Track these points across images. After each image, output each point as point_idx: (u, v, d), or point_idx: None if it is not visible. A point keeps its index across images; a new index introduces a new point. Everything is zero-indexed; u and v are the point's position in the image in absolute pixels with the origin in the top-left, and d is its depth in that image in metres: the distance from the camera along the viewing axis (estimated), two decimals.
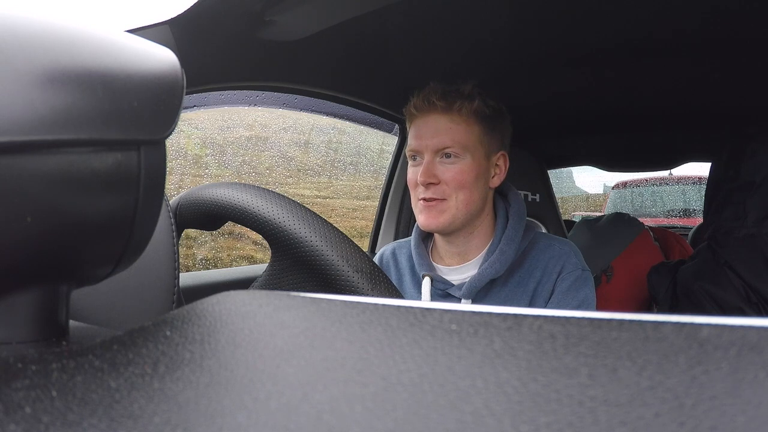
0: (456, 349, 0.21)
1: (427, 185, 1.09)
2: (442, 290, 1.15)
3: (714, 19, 1.11)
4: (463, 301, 1.11)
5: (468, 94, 1.10)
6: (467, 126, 1.10)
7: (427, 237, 1.24)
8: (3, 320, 0.27)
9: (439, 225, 1.10)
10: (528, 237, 1.16)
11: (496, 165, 1.16)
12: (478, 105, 1.10)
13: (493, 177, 1.15)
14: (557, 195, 1.95)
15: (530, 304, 1.12)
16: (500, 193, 1.22)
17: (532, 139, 2.12)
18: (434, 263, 1.20)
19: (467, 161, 1.09)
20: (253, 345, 0.23)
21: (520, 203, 1.18)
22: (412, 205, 1.16)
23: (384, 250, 1.32)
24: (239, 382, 0.21)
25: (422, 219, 1.11)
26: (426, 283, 1.15)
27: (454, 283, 1.14)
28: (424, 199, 1.10)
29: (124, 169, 0.26)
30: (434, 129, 1.09)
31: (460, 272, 1.16)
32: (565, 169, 4.53)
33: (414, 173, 1.12)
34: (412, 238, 1.23)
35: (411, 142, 1.13)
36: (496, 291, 1.12)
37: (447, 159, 1.09)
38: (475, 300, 1.12)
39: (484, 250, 1.16)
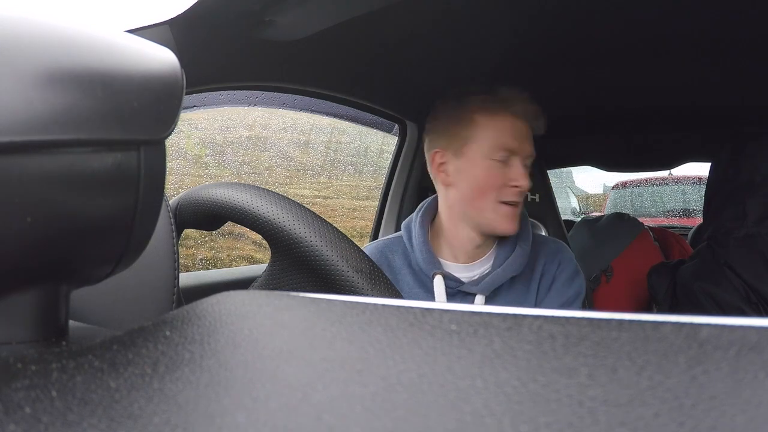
0: (456, 349, 0.21)
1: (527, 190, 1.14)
2: (455, 288, 1.14)
3: (714, 19, 1.11)
4: (478, 296, 1.12)
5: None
6: None
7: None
8: (3, 320, 0.27)
9: (516, 228, 1.13)
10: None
11: None
12: None
13: None
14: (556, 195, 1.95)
15: (536, 297, 1.15)
16: None
17: None
18: (443, 261, 1.18)
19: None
20: (253, 345, 0.23)
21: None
22: (483, 208, 1.12)
23: (368, 247, 1.27)
24: (239, 382, 0.21)
25: (507, 224, 1.11)
26: (439, 281, 1.13)
27: (464, 280, 1.14)
28: (514, 204, 1.11)
29: (123, 170, 0.26)
30: (527, 134, 1.13)
31: (470, 270, 1.17)
32: (565, 169, 4.54)
33: (501, 174, 1.11)
34: (417, 237, 1.19)
35: (507, 140, 1.10)
36: (506, 287, 1.14)
37: (526, 167, 1.13)
38: (489, 296, 1.13)
39: (493, 248, 1.18)
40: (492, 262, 1.16)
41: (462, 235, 1.17)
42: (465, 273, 1.16)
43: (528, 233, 1.17)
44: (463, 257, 1.18)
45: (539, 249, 1.18)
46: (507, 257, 1.14)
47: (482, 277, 1.14)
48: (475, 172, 1.11)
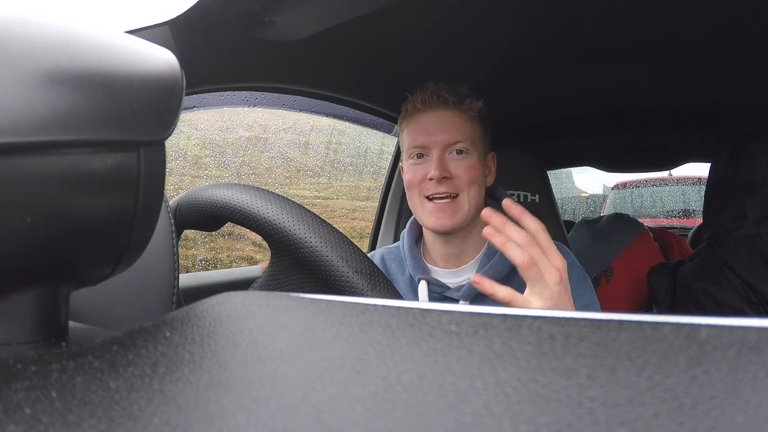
0: (455, 350, 0.21)
1: (441, 180, 1.06)
2: (439, 294, 1.13)
3: (713, 19, 1.11)
4: (461, 302, 1.10)
5: (470, 93, 1.11)
6: (473, 123, 1.10)
7: (418, 240, 1.22)
8: (2, 321, 0.27)
9: (454, 225, 1.07)
10: None
11: (488, 165, 1.16)
12: (482, 105, 1.11)
13: (487, 176, 1.16)
14: (556, 196, 1.95)
15: None
16: (490, 195, 1.20)
17: (531, 140, 2.12)
18: (429, 266, 1.18)
19: (474, 157, 1.09)
20: (253, 346, 0.23)
21: None
22: (415, 207, 1.12)
23: (372, 255, 1.28)
24: (239, 383, 0.21)
25: (434, 220, 1.08)
26: (423, 287, 1.13)
27: (450, 286, 1.13)
28: (437, 199, 1.07)
29: (123, 170, 0.26)
30: (444, 124, 1.08)
31: (457, 275, 1.14)
32: (565, 169, 4.54)
33: (418, 170, 1.10)
34: (405, 242, 1.20)
35: (416, 138, 1.10)
36: None
37: (458, 155, 1.08)
38: (474, 303, 1.10)
39: (481, 253, 1.14)
40: (477, 267, 1.12)
41: (430, 239, 1.18)
42: (452, 279, 1.15)
43: None
44: (449, 262, 1.16)
45: None
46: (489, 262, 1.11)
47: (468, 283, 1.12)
48: (405, 176, 1.14)
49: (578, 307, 1.05)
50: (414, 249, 1.19)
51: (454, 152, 1.08)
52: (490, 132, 1.17)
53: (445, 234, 1.12)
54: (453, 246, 1.14)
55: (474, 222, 1.12)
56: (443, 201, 1.07)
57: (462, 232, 1.12)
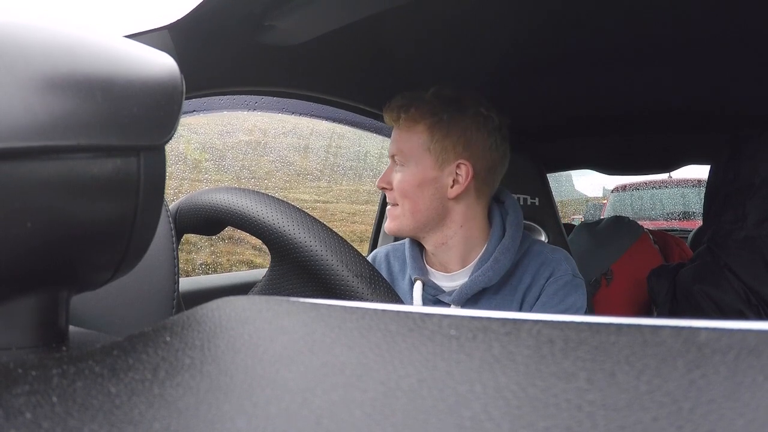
0: (455, 354, 0.21)
1: (382, 189, 1.14)
2: (433, 296, 1.13)
3: (713, 21, 1.11)
4: (452, 307, 1.10)
5: (424, 99, 1.10)
6: (411, 134, 1.10)
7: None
8: (3, 326, 0.27)
9: (391, 230, 1.14)
10: (523, 246, 1.13)
11: (457, 174, 1.09)
12: (428, 111, 1.08)
13: (451, 187, 1.10)
14: (556, 198, 1.95)
15: (521, 310, 1.09)
16: (497, 200, 1.20)
17: (531, 143, 2.12)
18: (429, 268, 1.18)
19: (410, 169, 1.10)
20: (253, 350, 0.23)
21: (518, 212, 1.16)
22: None
23: (378, 252, 1.30)
24: (239, 388, 0.21)
25: (388, 224, 1.16)
26: (417, 287, 1.13)
27: (445, 289, 1.13)
28: (391, 204, 1.14)
29: (123, 175, 0.26)
30: (394, 135, 1.14)
31: (453, 279, 1.14)
32: (565, 172, 4.54)
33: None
34: (407, 242, 1.22)
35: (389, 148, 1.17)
36: (487, 299, 1.10)
37: (400, 167, 1.12)
38: (465, 307, 1.09)
39: (477, 259, 1.13)
40: (472, 272, 1.12)
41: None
42: (449, 282, 1.15)
43: (510, 245, 1.10)
44: (443, 266, 1.17)
45: (531, 259, 1.12)
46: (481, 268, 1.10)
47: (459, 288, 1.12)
48: None
49: (553, 313, 1.05)
50: (414, 249, 1.20)
51: (396, 163, 1.12)
52: (467, 138, 1.10)
53: (400, 237, 1.19)
54: (433, 253, 1.17)
55: (444, 232, 1.13)
56: (392, 207, 1.14)
57: (431, 241, 1.14)
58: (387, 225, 1.15)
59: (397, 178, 1.11)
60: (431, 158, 1.08)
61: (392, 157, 1.13)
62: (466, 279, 1.11)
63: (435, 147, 1.08)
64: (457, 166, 1.09)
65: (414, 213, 1.10)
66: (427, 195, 1.09)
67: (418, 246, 1.20)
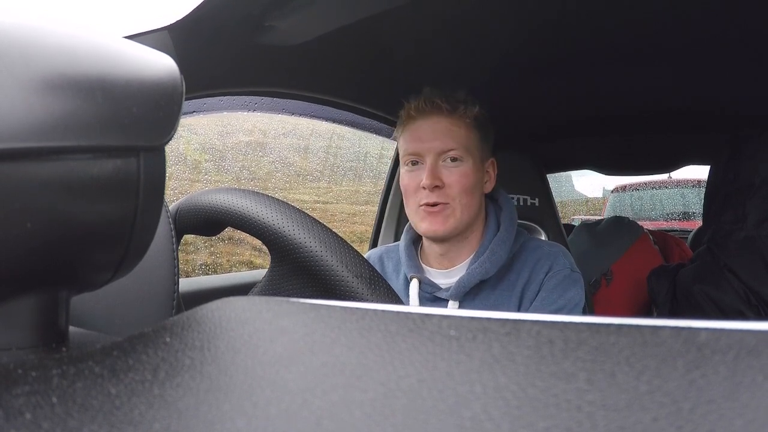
0: (455, 355, 0.21)
1: (433, 188, 1.07)
2: (430, 293, 1.14)
3: (713, 21, 1.11)
4: (450, 302, 1.10)
5: (467, 99, 1.11)
6: (468, 130, 1.09)
7: (417, 240, 1.23)
8: (3, 326, 0.27)
9: (446, 231, 1.08)
10: (519, 240, 1.15)
11: (487, 171, 1.16)
12: (478, 111, 1.11)
13: (486, 183, 1.16)
14: (556, 199, 1.95)
15: (518, 306, 1.10)
16: (491, 197, 1.21)
17: (531, 143, 2.12)
18: (423, 266, 1.19)
19: (469, 165, 1.09)
20: (253, 351, 0.23)
21: (512, 207, 1.18)
22: (410, 212, 1.13)
23: (371, 253, 1.31)
24: (239, 388, 0.21)
25: (426, 226, 1.09)
26: (414, 285, 1.14)
27: (441, 286, 1.14)
28: (428, 205, 1.08)
29: (123, 176, 0.26)
30: (437, 131, 1.08)
31: (449, 276, 1.15)
32: (565, 173, 4.54)
33: (413, 178, 1.10)
34: (402, 241, 1.22)
35: (409, 145, 1.11)
36: (485, 294, 1.11)
37: (451, 162, 1.08)
38: (463, 302, 1.10)
39: (473, 253, 1.14)
40: (469, 267, 1.13)
41: (426, 240, 1.19)
42: (445, 279, 1.16)
43: (505, 237, 1.11)
44: (442, 263, 1.17)
45: (528, 254, 1.13)
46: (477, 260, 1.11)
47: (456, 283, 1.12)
48: (401, 182, 1.15)
49: (553, 308, 1.06)
50: (410, 248, 1.20)
51: (448, 160, 1.08)
52: (492, 137, 1.17)
53: (444, 239, 1.12)
54: (446, 249, 1.15)
55: (471, 227, 1.13)
56: (435, 207, 1.08)
57: (459, 237, 1.13)
58: (434, 227, 1.08)
59: (455, 173, 1.08)
60: (480, 155, 1.12)
61: (444, 152, 1.08)
62: (463, 273, 1.12)
63: (482, 145, 1.13)
64: (489, 164, 1.16)
65: (469, 209, 1.10)
66: (478, 191, 1.12)
67: (414, 244, 1.21)
